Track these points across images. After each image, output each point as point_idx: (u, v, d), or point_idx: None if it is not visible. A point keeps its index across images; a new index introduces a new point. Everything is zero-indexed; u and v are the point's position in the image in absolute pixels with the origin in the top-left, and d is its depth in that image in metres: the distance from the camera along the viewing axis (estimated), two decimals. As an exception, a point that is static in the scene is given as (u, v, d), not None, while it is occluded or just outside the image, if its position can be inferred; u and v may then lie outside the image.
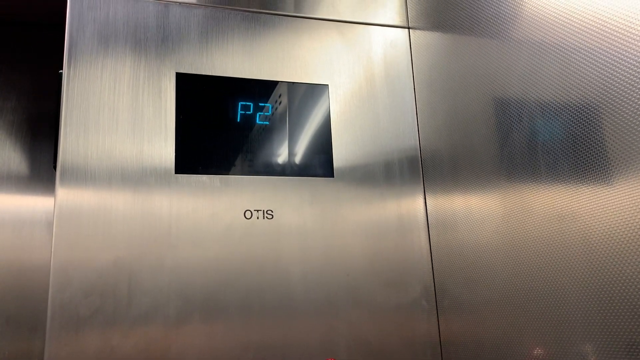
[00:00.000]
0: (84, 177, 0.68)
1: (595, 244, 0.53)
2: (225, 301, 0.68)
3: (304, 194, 0.76)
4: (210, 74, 0.76)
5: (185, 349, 0.66)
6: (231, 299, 0.69)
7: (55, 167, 0.69)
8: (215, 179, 0.72)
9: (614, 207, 0.51)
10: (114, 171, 0.69)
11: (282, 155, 0.77)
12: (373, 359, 0.72)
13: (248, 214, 0.72)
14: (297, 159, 0.77)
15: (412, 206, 0.81)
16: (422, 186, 0.82)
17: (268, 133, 0.77)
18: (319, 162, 0.78)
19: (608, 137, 0.52)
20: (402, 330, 0.75)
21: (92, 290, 0.64)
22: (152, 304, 0.66)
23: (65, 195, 0.67)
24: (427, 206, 0.82)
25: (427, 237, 0.80)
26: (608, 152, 0.52)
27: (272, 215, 0.73)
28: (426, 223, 0.81)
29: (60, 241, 0.65)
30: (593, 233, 0.53)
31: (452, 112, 0.78)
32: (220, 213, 0.71)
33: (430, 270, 0.79)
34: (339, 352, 0.71)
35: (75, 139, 0.69)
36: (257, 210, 0.73)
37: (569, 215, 0.56)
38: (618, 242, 0.50)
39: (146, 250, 0.67)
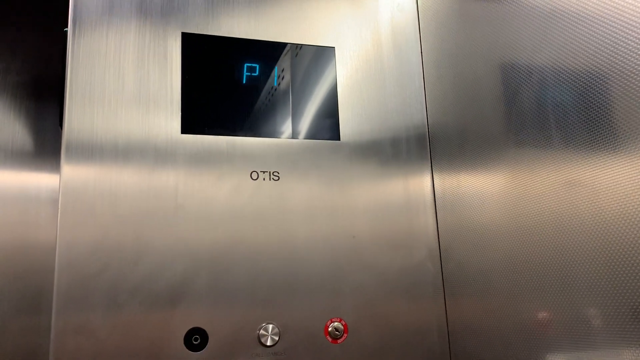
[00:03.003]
0: (89, 139, 0.68)
1: (605, 210, 0.53)
2: (232, 260, 0.69)
3: (310, 155, 0.75)
4: (216, 35, 0.75)
5: (192, 307, 0.66)
6: (238, 258, 0.69)
7: (61, 126, 0.69)
8: (222, 139, 0.72)
9: (625, 173, 0.51)
10: (120, 131, 0.69)
11: (288, 118, 0.76)
12: (378, 320, 0.73)
13: (254, 175, 0.72)
14: (303, 121, 0.77)
15: (418, 179, 0.81)
16: (428, 149, 0.82)
17: (274, 95, 0.77)
18: (325, 125, 0.78)
19: (617, 104, 0.51)
20: (407, 291, 0.75)
21: (98, 248, 0.65)
22: (159, 263, 0.66)
23: (72, 165, 0.67)
24: (433, 173, 0.82)
25: (433, 197, 0.80)
26: (617, 118, 0.51)
27: (279, 177, 0.73)
28: (432, 187, 0.81)
29: (66, 199, 0.65)
30: (603, 200, 0.53)
31: (459, 79, 0.77)
32: (227, 173, 0.71)
33: (436, 233, 0.79)
34: (344, 313, 0.71)
35: (81, 98, 0.69)
36: (264, 172, 0.73)
37: (579, 182, 0.56)
38: (629, 208, 0.50)
39: (153, 210, 0.67)
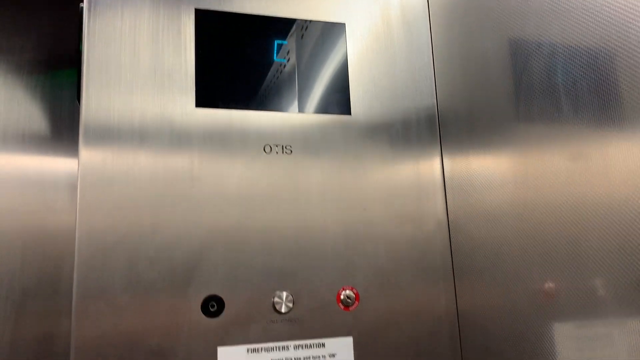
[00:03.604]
0: (106, 115, 0.69)
1: (615, 183, 0.54)
2: (247, 231, 0.71)
3: (321, 129, 0.77)
4: (228, 11, 0.76)
5: (209, 275, 0.68)
6: (253, 229, 0.71)
7: (79, 100, 0.71)
8: (235, 113, 0.74)
9: (634, 146, 0.51)
10: (136, 106, 0.70)
11: (299, 92, 0.78)
12: (388, 289, 0.75)
13: (267, 149, 0.74)
14: (314, 96, 0.78)
15: (427, 154, 0.82)
16: (437, 125, 0.83)
17: (286, 70, 0.78)
18: (336, 100, 0.79)
19: (624, 77, 0.52)
20: (417, 263, 0.77)
21: (117, 220, 0.67)
22: (176, 233, 0.68)
23: (91, 141, 0.68)
24: (442, 150, 0.83)
25: (441, 170, 0.81)
26: (625, 92, 0.52)
27: (291, 150, 0.75)
28: (440, 157, 0.82)
29: (86, 174, 0.67)
30: (613, 173, 0.54)
31: (469, 55, 0.78)
32: (241, 147, 0.73)
33: (444, 206, 0.80)
34: (356, 282, 0.73)
35: (97, 75, 0.70)
36: (277, 145, 0.74)
37: (589, 156, 0.57)
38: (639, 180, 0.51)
39: (169, 183, 0.69)
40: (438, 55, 0.86)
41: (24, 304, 0.73)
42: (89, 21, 0.71)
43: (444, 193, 0.81)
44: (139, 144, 0.69)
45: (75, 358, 0.62)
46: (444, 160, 0.83)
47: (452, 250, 0.79)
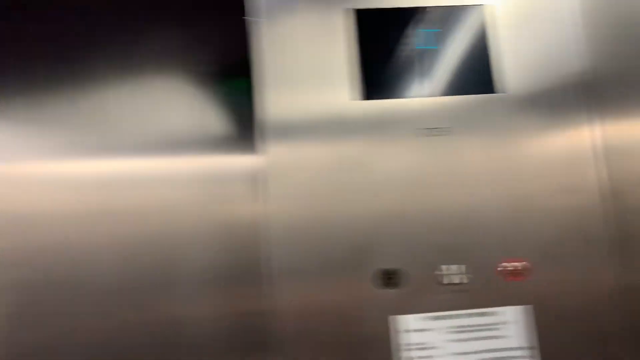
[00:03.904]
0: (282, 114, 0.78)
1: None
2: (415, 211, 0.77)
3: (473, 109, 0.80)
4: (384, 7, 0.83)
5: (384, 251, 0.75)
6: (420, 208, 0.77)
7: (252, 104, 0.80)
8: (396, 102, 0.80)
9: None
10: (305, 104, 0.79)
11: (449, 76, 0.81)
12: (556, 259, 0.77)
13: (426, 132, 0.79)
14: (463, 77, 0.82)
15: (577, 125, 0.81)
16: (589, 96, 0.82)
17: (435, 56, 0.82)
18: (483, 79, 0.82)
19: None
20: (581, 232, 0.78)
21: (302, 207, 0.76)
22: (352, 217, 0.76)
23: (272, 140, 0.78)
24: (596, 120, 0.81)
25: (598, 137, 0.80)
26: None
27: (448, 132, 0.79)
28: (595, 124, 0.81)
29: (271, 169, 0.76)
30: None
31: (620, 18, 0.75)
32: (402, 132, 0.79)
33: (605, 174, 0.80)
34: (524, 253, 0.76)
35: (269, 79, 0.80)
36: (434, 128, 0.79)
37: None
38: None
39: (341, 171, 0.77)
40: (587, 20, 0.84)
41: (222, 285, 0.82)
42: (256, 31, 0.81)
43: (603, 161, 0.80)
44: (312, 137, 0.78)
45: (279, 327, 0.73)
46: (599, 126, 0.81)
47: (617, 219, 0.79)
